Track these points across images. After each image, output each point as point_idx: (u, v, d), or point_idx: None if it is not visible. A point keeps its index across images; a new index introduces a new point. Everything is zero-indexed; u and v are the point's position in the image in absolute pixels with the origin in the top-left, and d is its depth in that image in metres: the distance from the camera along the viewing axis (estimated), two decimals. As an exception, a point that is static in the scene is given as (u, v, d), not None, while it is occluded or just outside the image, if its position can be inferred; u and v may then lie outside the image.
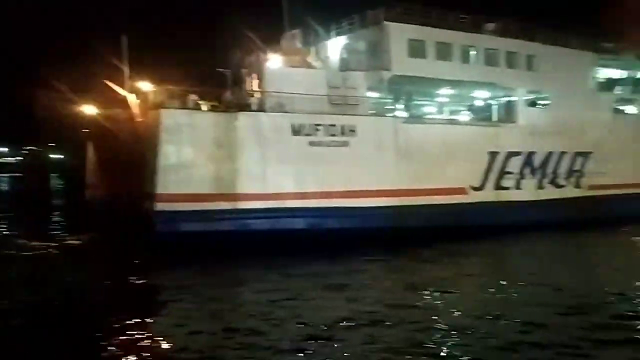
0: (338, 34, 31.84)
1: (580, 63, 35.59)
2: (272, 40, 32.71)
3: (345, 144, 26.78)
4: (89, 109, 29.12)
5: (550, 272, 21.43)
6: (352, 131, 26.94)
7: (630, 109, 38.51)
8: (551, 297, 17.27)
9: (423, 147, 28.94)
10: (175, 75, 28.99)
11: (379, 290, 18.68)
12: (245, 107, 25.92)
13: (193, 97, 25.47)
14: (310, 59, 31.16)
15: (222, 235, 23.91)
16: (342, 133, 26.82)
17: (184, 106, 25.25)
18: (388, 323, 14.53)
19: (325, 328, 14.06)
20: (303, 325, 14.33)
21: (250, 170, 25.20)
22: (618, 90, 38.07)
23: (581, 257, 25.86)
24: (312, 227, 25.86)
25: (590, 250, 27.17)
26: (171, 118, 24.44)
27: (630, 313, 15.31)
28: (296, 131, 26.16)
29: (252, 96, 27.01)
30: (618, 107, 37.71)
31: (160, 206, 23.80)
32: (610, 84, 37.78)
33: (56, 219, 40.11)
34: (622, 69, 38.34)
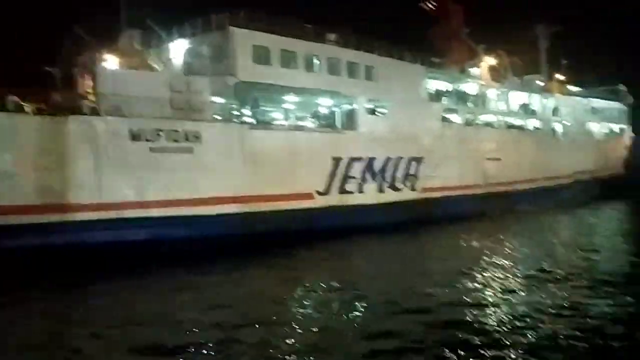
0: (181, 37, 30.74)
1: (413, 75, 38.44)
2: (107, 39, 30.59)
3: (189, 150, 25.81)
4: None
5: (385, 270, 22.70)
6: (197, 137, 26.06)
7: (455, 118, 42.40)
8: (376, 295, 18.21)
9: (270, 153, 28.98)
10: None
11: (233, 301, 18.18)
12: (76, 110, 23.76)
13: (13, 98, 22.72)
14: (151, 61, 29.73)
15: (52, 251, 21.60)
16: (186, 139, 25.82)
17: (2, 108, 22.45)
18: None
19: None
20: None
21: (83, 179, 23.17)
22: (445, 101, 41.77)
23: (417, 252, 27.73)
24: (155, 238, 24.44)
25: (425, 246, 29.26)
26: (-14, 122, 21.57)
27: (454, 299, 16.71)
28: (135, 137, 24.61)
29: (85, 98, 24.91)
30: (445, 116, 41.30)
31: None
32: (438, 95, 41.33)
33: None
34: (448, 81, 42.13)
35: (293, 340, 13.72)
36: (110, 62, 27.83)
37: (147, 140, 24.86)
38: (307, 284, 19.95)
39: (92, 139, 23.58)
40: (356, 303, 16.98)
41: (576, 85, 58.87)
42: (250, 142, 28.23)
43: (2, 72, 26.84)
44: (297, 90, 31.75)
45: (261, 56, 29.46)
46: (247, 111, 30.61)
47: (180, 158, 25.52)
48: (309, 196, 30.72)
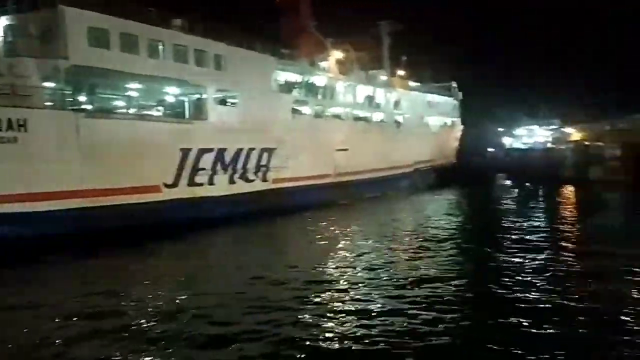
0: (2, 14, 27.36)
1: (263, 66, 38.33)
2: None
3: (13, 140, 23.11)
4: None
5: (230, 263, 22.48)
6: (22, 126, 23.41)
7: (305, 110, 43.22)
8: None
9: (111, 144, 27.01)
10: None
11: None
12: None
13: None
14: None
15: None
16: (9, 128, 23.07)
17: None
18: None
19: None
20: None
21: None
22: (295, 93, 42.36)
23: (268, 241, 27.81)
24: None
25: (276, 235, 29.49)
26: None
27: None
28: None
29: None
30: (295, 107, 41.90)
31: None
32: (288, 86, 41.76)
33: None
34: (298, 73, 42.74)
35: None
36: None
37: (-40, 129, 21.81)
38: (149, 281, 18.98)
39: None
40: (197, 297, 16.50)
41: (415, 81, 63.37)
42: (88, 131, 26.06)
43: None
44: (140, 78, 29.98)
45: (98, 39, 27.25)
46: (83, 98, 28.25)
47: (2, 149, 22.74)
48: (155, 189, 29.25)
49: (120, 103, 31.98)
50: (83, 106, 28.01)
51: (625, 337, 12.48)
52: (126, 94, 31.62)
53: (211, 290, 17.69)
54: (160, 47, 30.70)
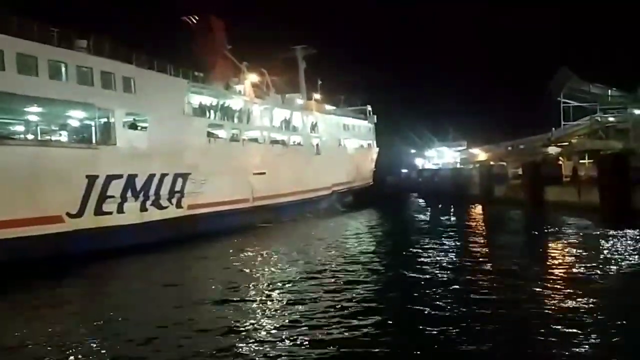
0: None
1: (176, 88, 37.27)
2: None
3: None
4: None
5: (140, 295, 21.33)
6: None
7: (221, 133, 42.46)
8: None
9: (7, 172, 25.00)
10: None
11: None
12: None
13: None
14: None
15: None
16: None
17: None
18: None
19: None
20: None
21: None
22: (210, 116, 41.54)
23: (178, 272, 26.64)
24: None
25: (187, 264, 28.36)
26: None
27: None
28: None
29: None
30: (210, 131, 41.03)
31: None
32: (203, 109, 40.88)
33: None
34: (212, 96, 42.00)
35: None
36: None
37: None
38: (51, 321, 17.45)
39: None
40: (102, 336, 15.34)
41: (330, 105, 64.43)
42: (-21, 158, 23.98)
43: None
44: (40, 101, 28.10)
45: (-8, 59, 25.33)
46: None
47: None
48: (58, 219, 27.33)
49: (18, 128, 29.76)
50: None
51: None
52: (25, 118, 29.50)
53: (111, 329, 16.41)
54: (63, 68, 28.99)
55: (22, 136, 29.60)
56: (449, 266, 24.08)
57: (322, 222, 47.48)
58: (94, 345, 14.54)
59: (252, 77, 48.52)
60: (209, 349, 13.78)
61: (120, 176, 31.27)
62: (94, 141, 31.43)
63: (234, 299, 19.12)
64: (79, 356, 13.66)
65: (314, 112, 58.63)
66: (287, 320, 16.03)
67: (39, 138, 29.86)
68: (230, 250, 31.03)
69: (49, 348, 14.35)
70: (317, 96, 61.97)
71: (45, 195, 26.66)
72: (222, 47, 47.87)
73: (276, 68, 52.17)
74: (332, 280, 21.60)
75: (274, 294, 19.76)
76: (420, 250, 28.73)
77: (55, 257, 24.81)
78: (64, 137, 32.14)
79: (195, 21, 46.88)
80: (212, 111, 41.95)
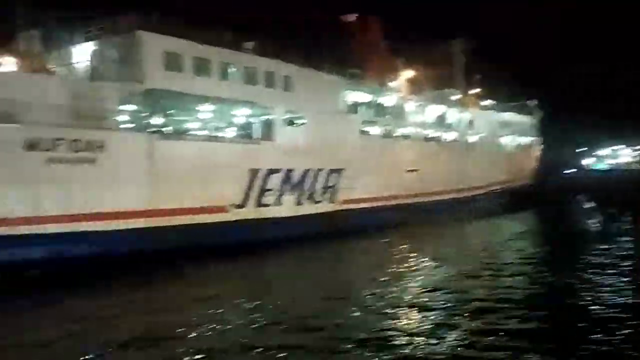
0: (87, 40, 28.88)
1: (332, 86, 38.33)
2: (4, 40, 28.31)
3: (92, 160, 24.12)
4: None
5: (297, 286, 22.16)
6: (100, 147, 24.41)
7: (374, 130, 42.73)
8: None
9: (182, 165, 27.68)
10: None
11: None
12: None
13: None
14: (52, 64, 27.76)
15: None
16: (88, 149, 24.11)
17: None
18: None
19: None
20: None
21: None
22: (364, 113, 42.01)
23: (333, 264, 27.37)
24: (53, 256, 22.58)
25: (343, 257, 29.09)
26: None
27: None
28: (31, 146, 22.66)
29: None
30: (364, 128, 41.50)
31: None
32: (356, 107, 41.49)
33: None
34: (366, 93, 42.41)
35: None
36: (7, 64, 25.73)
37: (45, 150, 22.97)
38: (217, 302, 18.91)
39: (-22, 148, 21.44)
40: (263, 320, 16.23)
41: (489, 100, 61.39)
42: (160, 152, 26.83)
43: None
44: (211, 100, 30.66)
45: (172, 63, 28.15)
46: (158, 120, 29.24)
47: (81, 169, 23.78)
48: (223, 209, 29.63)
49: (192, 125, 32.80)
50: (157, 128, 29.02)
51: None
52: (198, 116, 32.44)
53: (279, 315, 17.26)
54: (231, 69, 31.34)
55: (195, 132, 32.52)
56: (624, 278, 21.18)
57: (476, 224, 45.47)
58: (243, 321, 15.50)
59: (407, 73, 48.03)
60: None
61: (278, 170, 33.00)
62: (255, 137, 33.61)
63: (389, 295, 18.97)
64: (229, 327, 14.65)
65: (471, 108, 56.40)
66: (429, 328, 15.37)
67: (210, 134, 32.59)
68: (384, 247, 31.23)
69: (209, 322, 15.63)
70: (475, 91, 59.46)
71: (213, 187, 29.02)
72: (378, 44, 48.07)
73: (433, 62, 50.99)
74: (485, 288, 20.34)
75: (428, 294, 19.21)
76: (589, 261, 25.55)
77: (218, 246, 26.93)
78: (230, 133, 34.76)
79: (352, 20, 47.66)
80: (366, 108, 42.40)
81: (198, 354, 13.40)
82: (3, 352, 14.21)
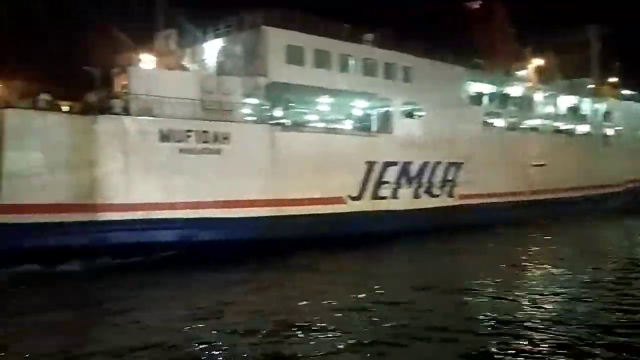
0: (216, 37, 30.53)
1: (453, 77, 37.10)
2: (146, 39, 30.80)
3: (218, 151, 25.50)
4: None
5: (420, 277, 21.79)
6: (226, 138, 25.72)
7: (497, 122, 40.73)
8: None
9: (300, 156, 28.36)
10: (33, 72, 26.19)
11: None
12: (107, 109, 23.80)
13: (45, 96, 22.93)
14: (185, 61, 29.70)
15: (78, 251, 21.74)
16: (215, 140, 25.51)
17: (34, 106, 22.70)
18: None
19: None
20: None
21: (111, 179, 23.13)
22: (487, 104, 40.19)
23: (451, 260, 26.56)
24: (182, 240, 24.31)
25: (460, 254, 28.05)
26: (18, 119, 21.80)
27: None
28: (165, 137, 24.46)
29: (117, 98, 24.95)
30: (487, 120, 39.71)
31: (3, 218, 21.09)
32: (479, 97, 39.79)
33: None
34: (490, 84, 40.50)
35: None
36: (147, 62, 27.91)
37: (177, 141, 24.69)
38: (336, 291, 19.17)
39: (121, 138, 23.54)
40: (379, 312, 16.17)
41: (630, 89, 55.84)
42: (281, 144, 27.70)
43: (42, 71, 27.58)
44: (330, 92, 31.05)
45: (294, 56, 28.89)
46: (279, 112, 30.19)
47: (208, 159, 25.24)
48: (340, 200, 29.96)
49: (311, 117, 33.46)
50: (278, 120, 30.00)
51: None
52: (317, 108, 33.04)
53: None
54: (351, 61, 31.47)
55: (314, 124, 33.15)
56: None
57: (612, 223, 41.67)
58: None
59: (536, 62, 45.13)
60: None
61: (395, 163, 32.66)
62: (373, 129, 33.51)
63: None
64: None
65: (608, 99, 51.73)
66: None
67: (328, 126, 33.04)
68: (503, 246, 29.75)
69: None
70: (612, 80, 54.39)
71: (330, 178, 29.42)
72: (504, 32, 45.67)
73: (564, 50, 47.41)
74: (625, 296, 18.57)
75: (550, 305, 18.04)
76: None
77: (334, 236, 27.31)
78: (347, 125, 34.98)
79: (477, 7, 45.71)
80: (489, 99, 40.54)
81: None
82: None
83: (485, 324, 15.13)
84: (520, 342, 13.43)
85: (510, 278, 21.51)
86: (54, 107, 23.54)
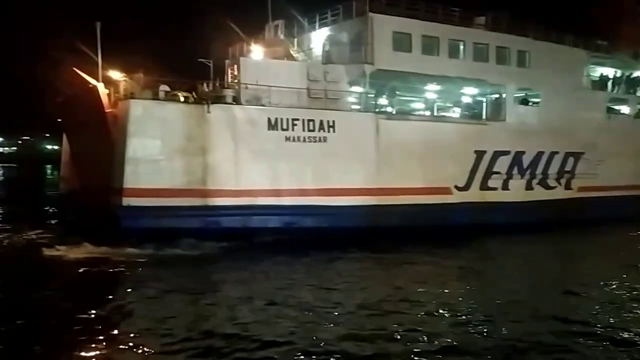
0: (322, 25, 30.72)
1: (573, 60, 34.47)
2: (256, 30, 31.79)
3: (323, 139, 25.73)
4: (60, 99, 28.17)
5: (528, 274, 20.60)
6: (331, 126, 25.87)
7: (624, 109, 37.35)
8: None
9: (406, 145, 27.84)
10: (153, 65, 28.01)
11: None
12: (219, 99, 24.85)
13: (164, 87, 24.41)
14: (293, 51, 30.21)
15: (191, 232, 23.02)
16: (321, 128, 25.75)
17: (155, 97, 24.23)
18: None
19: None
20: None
21: (222, 166, 24.17)
22: (611, 90, 36.96)
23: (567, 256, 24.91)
24: (287, 226, 24.91)
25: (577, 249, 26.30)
26: (140, 109, 23.39)
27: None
28: (272, 126, 25.10)
29: (228, 88, 25.99)
30: (611, 106, 36.56)
31: (126, 201, 22.82)
32: (603, 82, 36.67)
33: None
34: (615, 67, 37.18)
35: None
36: (256, 53, 28.78)
37: (283, 129, 25.24)
38: (449, 285, 18.67)
39: (232, 126, 24.48)
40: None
41: None
42: (386, 132, 27.35)
43: (161, 64, 29.44)
44: (438, 79, 30.12)
45: (401, 43, 28.28)
46: (384, 100, 29.83)
47: (313, 147, 25.55)
48: (446, 191, 29.08)
49: (417, 105, 32.72)
50: (383, 108, 29.62)
51: None
52: (424, 96, 32.18)
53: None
54: (461, 46, 30.28)
55: (420, 112, 32.36)
56: None
57: None
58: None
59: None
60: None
61: (507, 152, 31.07)
62: (483, 117, 32.09)
63: None
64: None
65: None
66: None
67: (434, 114, 32.09)
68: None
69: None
70: None
71: (436, 168, 28.63)
72: (633, 10, 41.53)
73: None
74: None
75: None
76: None
77: (438, 227, 26.58)
78: (456, 113, 33.80)
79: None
80: (614, 84, 37.24)
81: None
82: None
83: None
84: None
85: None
86: (172, 98, 24.97)
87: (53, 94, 28.56)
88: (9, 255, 22.17)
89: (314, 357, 11.95)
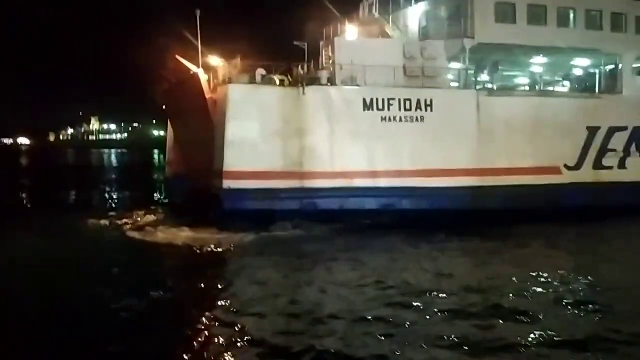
0: (418, 0, 29.61)
1: None
2: (351, 9, 31.35)
3: (420, 119, 24.89)
4: (165, 87, 29.46)
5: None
6: (429, 106, 24.94)
7: None
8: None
9: (509, 122, 26.29)
10: (250, 50, 28.46)
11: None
12: (314, 80, 24.74)
13: (261, 71, 24.67)
14: (388, 28, 29.42)
15: (289, 214, 23.26)
16: (418, 108, 24.90)
17: (253, 81, 24.57)
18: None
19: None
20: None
21: (318, 147, 24.12)
22: None
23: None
24: (384, 208, 24.49)
25: None
26: (238, 93, 23.82)
27: None
28: (368, 106, 24.64)
29: (323, 69, 25.79)
30: None
31: (227, 183, 23.44)
32: None
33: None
34: None
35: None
36: (350, 32, 28.35)
37: (379, 109, 24.70)
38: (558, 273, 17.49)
39: (328, 108, 24.30)
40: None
41: None
42: (488, 110, 25.97)
43: (258, 48, 29.89)
44: (545, 51, 28.07)
45: (504, 14, 26.63)
46: (485, 76, 28.30)
47: (410, 127, 24.80)
48: (555, 170, 27.20)
49: (521, 80, 30.76)
50: (485, 85, 28.11)
51: None
52: (529, 69, 30.15)
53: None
54: (571, 14, 27.97)
55: (524, 88, 30.39)
56: None
57: None
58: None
59: None
60: None
61: (624, 128, 28.47)
62: (596, 90, 29.60)
63: None
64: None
65: None
66: None
67: (540, 89, 30.02)
68: None
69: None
70: None
71: (544, 146, 26.84)
72: None
73: None
74: None
75: None
76: None
77: (548, 209, 24.96)
78: (565, 87, 31.42)
79: None
80: None
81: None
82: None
83: None
84: None
85: None
86: (268, 81, 25.20)
87: (158, 82, 29.88)
88: (120, 240, 23.42)
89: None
